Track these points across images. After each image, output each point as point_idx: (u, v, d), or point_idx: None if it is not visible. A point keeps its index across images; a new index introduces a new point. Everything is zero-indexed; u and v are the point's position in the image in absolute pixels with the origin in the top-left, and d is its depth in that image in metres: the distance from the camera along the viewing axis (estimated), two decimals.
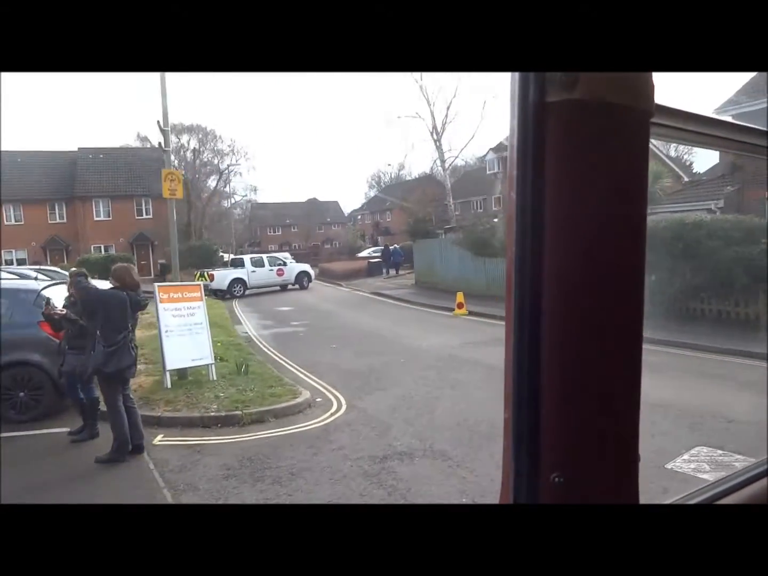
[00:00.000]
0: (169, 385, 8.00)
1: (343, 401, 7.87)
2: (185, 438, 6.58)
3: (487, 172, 40.39)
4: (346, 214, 68.07)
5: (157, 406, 7.36)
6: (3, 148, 29.48)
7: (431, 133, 31.16)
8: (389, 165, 54.45)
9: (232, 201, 47.89)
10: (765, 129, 0.85)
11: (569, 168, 0.55)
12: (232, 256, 27.61)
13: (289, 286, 25.53)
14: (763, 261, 10.81)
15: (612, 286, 0.58)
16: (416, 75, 31.45)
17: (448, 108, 40.68)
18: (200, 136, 41.19)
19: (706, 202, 17.48)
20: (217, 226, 41.63)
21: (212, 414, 7.09)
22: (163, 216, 35.78)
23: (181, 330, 8.17)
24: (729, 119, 0.88)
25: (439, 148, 31.39)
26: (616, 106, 0.55)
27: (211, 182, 42.20)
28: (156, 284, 8.43)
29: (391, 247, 30.97)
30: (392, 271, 29.35)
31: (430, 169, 39.42)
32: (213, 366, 8.49)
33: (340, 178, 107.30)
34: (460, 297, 15.93)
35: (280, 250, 55.02)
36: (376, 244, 43.13)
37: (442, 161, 32.02)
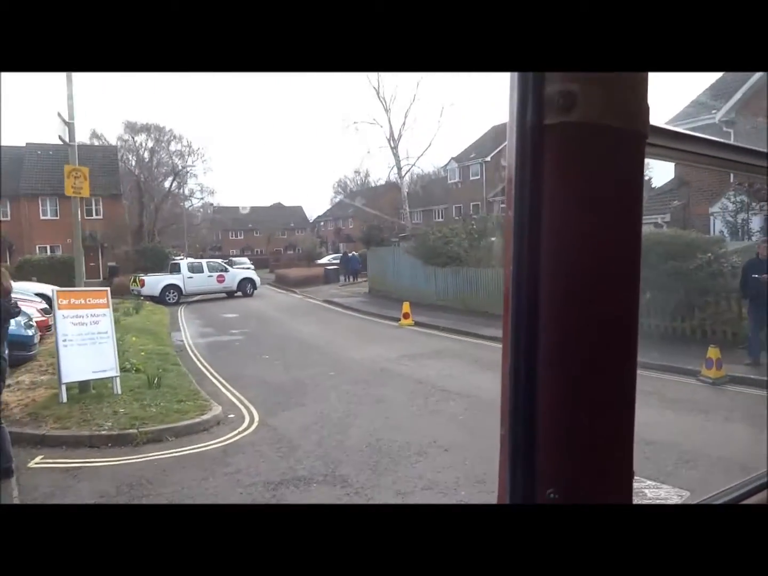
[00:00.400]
0: (65, 400, 7.36)
1: (257, 418, 7.37)
2: (67, 460, 5.97)
3: (449, 182, 40.41)
4: (310, 220, 67.44)
5: (45, 423, 6.72)
6: None
7: (388, 140, 30.95)
8: (356, 172, 53.95)
9: (190, 204, 46.76)
10: (763, 150, 0.87)
11: (566, 189, 0.56)
12: (191, 260, 26.57)
13: (238, 293, 24.66)
14: (700, 276, 10.71)
15: (608, 305, 0.59)
16: (373, 80, 31.30)
17: (405, 114, 40.70)
18: (157, 135, 40.13)
19: (653, 216, 17.62)
20: (173, 229, 40.48)
21: (104, 432, 6.49)
22: (115, 217, 35.00)
23: (83, 339, 7.55)
24: (726, 141, 0.86)
25: (395, 155, 31.16)
26: (612, 129, 0.57)
27: (167, 184, 41.11)
28: (54, 289, 7.78)
29: (349, 254, 30.66)
30: (350, 279, 28.99)
31: (388, 176, 39.08)
32: (117, 379, 7.88)
33: (307, 183, 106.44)
34: (406, 307, 15.57)
35: (242, 255, 54.20)
36: (337, 251, 42.70)
37: (399, 168, 31.79)
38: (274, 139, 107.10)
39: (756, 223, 14.35)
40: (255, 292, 25.37)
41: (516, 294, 0.57)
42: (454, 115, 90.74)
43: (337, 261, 33.39)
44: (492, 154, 36.52)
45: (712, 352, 8.51)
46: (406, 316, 15.38)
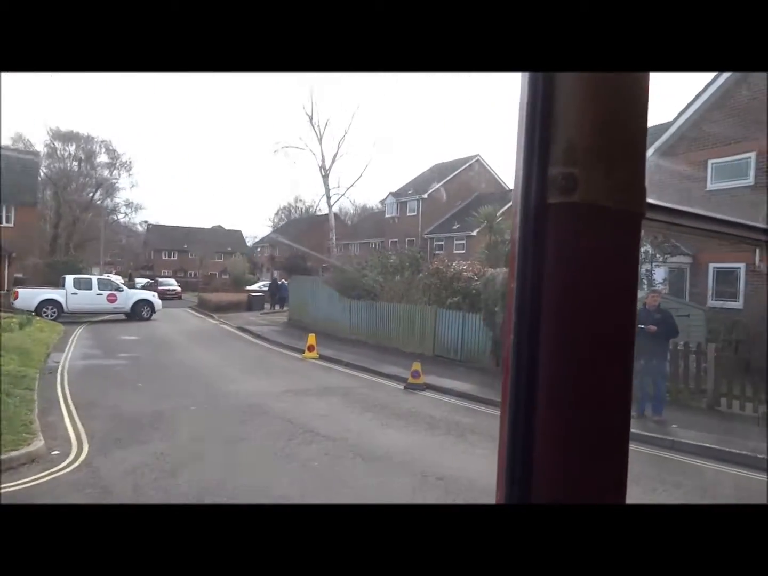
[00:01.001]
0: None
1: (83, 456, 6.46)
2: None
3: (386, 216, 40.36)
4: (249, 245, 66.10)
5: None
6: None
7: (320, 168, 30.60)
8: (300, 200, 53.20)
9: (114, 218, 44.77)
10: (757, 225, 0.92)
11: (565, 265, 0.59)
12: (80, 275, 24.01)
13: (148, 315, 22.69)
14: None
15: (603, 380, 0.61)
16: (307, 107, 30.89)
17: (338, 144, 38.53)
18: (84, 145, 38.39)
19: None
20: (93, 243, 38.43)
21: None
22: (28, 226, 32.78)
23: None
24: (719, 216, 0.86)
25: (326, 184, 30.83)
26: (610, 210, 0.59)
27: (90, 195, 39.19)
28: None
29: (279, 282, 29.84)
30: (275, 306, 28.06)
31: (317, 205, 38.39)
32: None
33: (251, 207, 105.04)
34: (311, 339, 14.84)
35: (174, 277, 52.26)
36: (272, 277, 41.76)
37: (328, 198, 31.45)
38: (219, 160, 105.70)
39: (659, 274, 14.53)
40: (153, 315, 23.10)
41: (516, 365, 0.59)
42: (393, 151, 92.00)
43: (266, 288, 32.51)
44: (430, 191, 36.76)
45: None
46: (310, 348, 14.64)
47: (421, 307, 15.36)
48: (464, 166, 37.50)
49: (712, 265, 15.12)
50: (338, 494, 5.60)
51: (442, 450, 7.30)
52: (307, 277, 22.98)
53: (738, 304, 14.22)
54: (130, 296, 22.89)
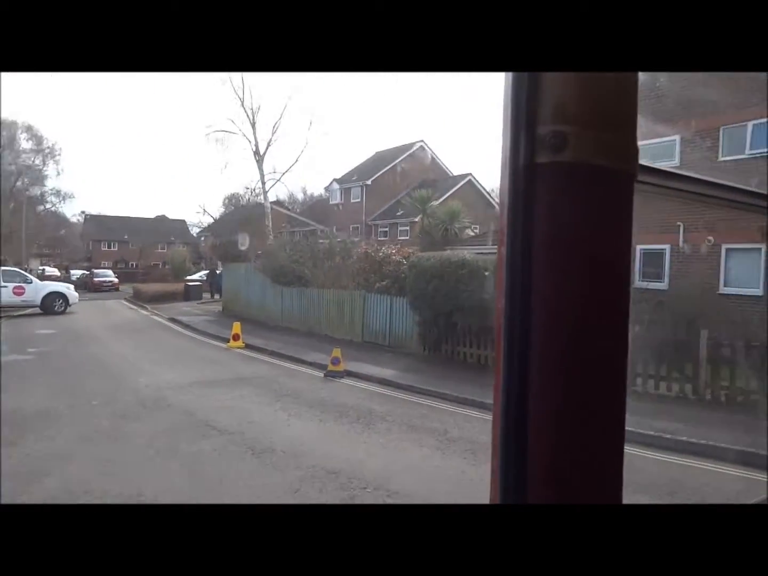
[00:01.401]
0: None
1: None
2: None
3: (330, 203, 39.74)
4: (195, 235, 64.18)
5: None
6: None
7: (254, 153, 29.71)
8: (246, 188, 51.46)
9: (43, 208, 42.54)
10: (757, 190, 0.91)
11: (557, 227, 0.57)
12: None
13: (69, 308, 21.27)
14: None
15: (599, 336, 0.59)
16: (239, 90, 29.85)
17: (273, 129, 36.59)
18: (4, 131, 36.10)
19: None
20: (14, 235, 36.15)
21: None
22: None
23: None
24: (715, 179, 0.85)
25: (260, 169, 29.98)
26: (602, 168, 0.58)
27: (12, 183, 37.00)
28: None
29: (217, 271, 28.92)
30: (217, 296, 27.15)
31: (252, 190, 37.15)
32: None
33: (196, 196, 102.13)
34: (236, 328, 14.26)
35: (114, 268, 50.21)
36: (211, 266, 40.58)
37: (263, 183, 30.60)
38: (160, 147, 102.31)
39: None
40: (68, 308, 21.35)
41: (508, 328, 0.58)
42: (337, 138, 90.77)
43: (204, 277, 31.52)
44: (373, 178, 36.32)
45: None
46: (235, 337, 14.06)
47: (350, 293, 14.97)
48: (408, 153, 37.15)
49: (639, 247, 15.24)
50: (210, 493, 5.15)
51: (346, 440, 6.93)
52: (241, 265, 22.10)
53: (663, 285, 14.39)
54: (39, 288, 21.09)
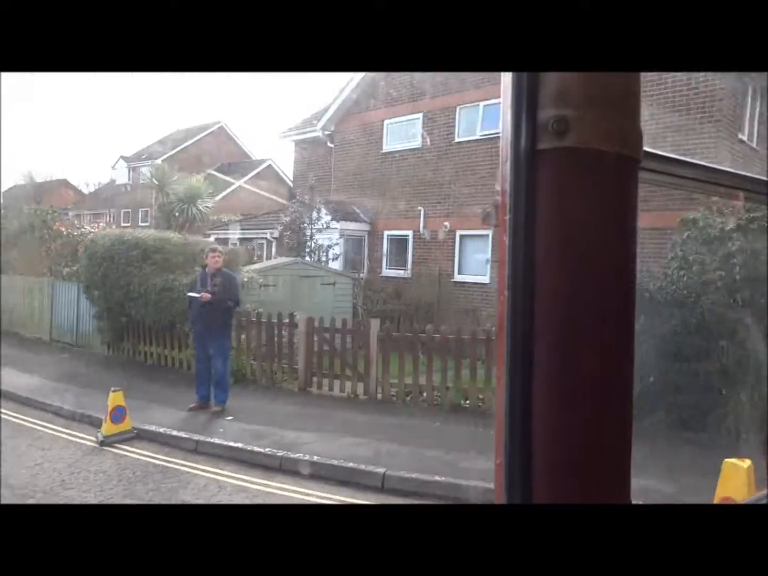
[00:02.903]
0: None
1: None
2: None
3: (116, 183, 35.51)
4: None
5: None
6: None
7: None
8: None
9: None
10: (759, 177, 0.91)
11: (560, 213, 0.56)
12: None
13: None
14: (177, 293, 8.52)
15: (605, 325, 0.58)
16: None
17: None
18: None
19: (264, 230, 16.07)
20: None
21: None
22: None
23: None
24: (718, 166, 0.84)
25: None
26: (605, 153, 0.57)
27: None
28: None
29: None
30: None
31: None
32: None
33: None
34: None
35: None
36: None
37: None
38: None
39: (338, 246, 13.22)
40: None
41: (511, 316, 0.57)
42: (127, 111, 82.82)
43: None
44: (165, 157, 32.86)
45: (115, 398, 6.09)
46: None
47: (39, 280, 12.18)
48: (204, 133, 34.31)
49: (387, 233, 14.36)
50: None
51: None
52: None
53: (407, 273, 13.63)
54: None
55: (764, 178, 0.91)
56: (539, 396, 0.55)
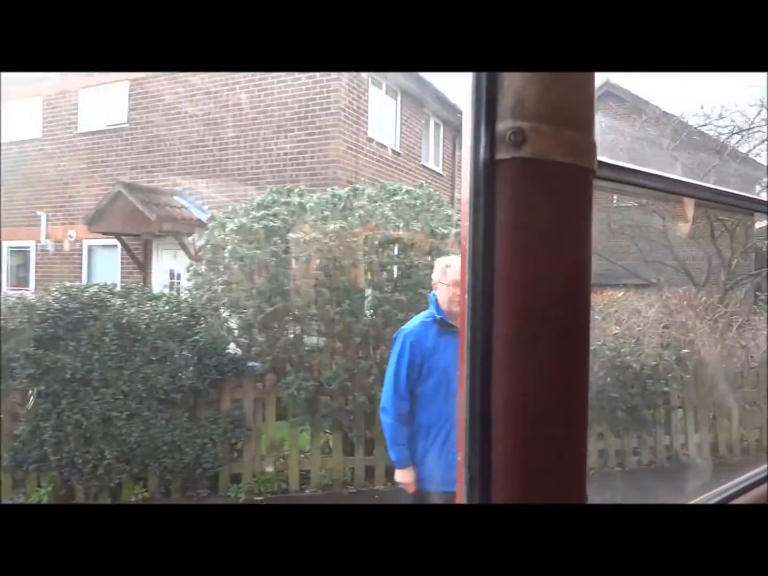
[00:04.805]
0: None
1: None
2: None
3: None
4: None
5: None
6: None
7: None
8: None
9: None
10: (722, 189, 0.97)
11: (518, 220, 0.58)
12: None
13: None
14: None
15: (561, 330, 0.60)
16: None
17: None
18: None
19: None
20: None
21: None
22: None
23: None
24: (672, 175, 0.87)
25: None
26: (561, 164, 0.59)
27: None
28: None
29: None
30: None
31: None
32: None
33: None
34: None
35: None
36: None
37: None
38: None
39: None
40: None
41: (471, 320, 0.58)
42: None
43: None
44: None
45: None
46: None
47: None
48: None
49: (6, 244, 11.54)
50: None
51: None
52: None
53: (31, 292, 11.06)
54: None
55: (719, 187, 0.99)
56: (498, 396, 0.56)
